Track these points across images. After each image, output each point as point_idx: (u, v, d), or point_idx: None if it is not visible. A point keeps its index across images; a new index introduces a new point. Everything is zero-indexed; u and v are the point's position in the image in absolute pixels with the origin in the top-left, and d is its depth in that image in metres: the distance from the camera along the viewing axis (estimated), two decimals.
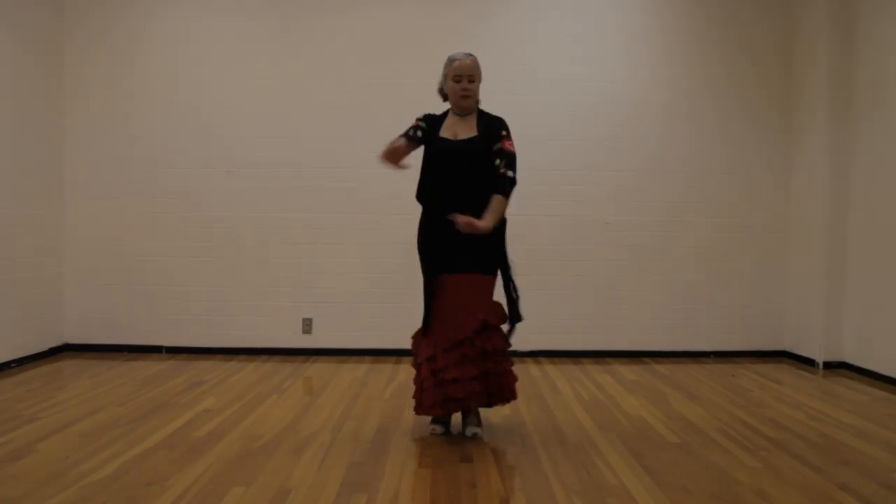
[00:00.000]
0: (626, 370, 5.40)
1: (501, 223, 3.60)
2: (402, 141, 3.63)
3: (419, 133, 3.64)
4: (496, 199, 3.49)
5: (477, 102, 3.72)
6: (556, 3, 5.89)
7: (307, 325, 5.86)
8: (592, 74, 5.88)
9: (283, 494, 2.84)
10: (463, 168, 3.55)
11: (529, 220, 5.79)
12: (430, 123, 3.68)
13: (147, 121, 5.85)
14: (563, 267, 5.87)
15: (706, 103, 5.92)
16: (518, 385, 4.88)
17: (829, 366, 5.45)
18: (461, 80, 3.59)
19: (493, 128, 3.62)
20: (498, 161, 3.54)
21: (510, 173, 3.52)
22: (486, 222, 3.42)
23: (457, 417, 3.77)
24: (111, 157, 5.86)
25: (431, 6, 5.86)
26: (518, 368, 5.27)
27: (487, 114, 3.71)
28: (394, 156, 3.57)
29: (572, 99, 5.85)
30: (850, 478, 3.08)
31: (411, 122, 3.71)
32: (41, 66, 5.62)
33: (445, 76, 3.66)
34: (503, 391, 3.66)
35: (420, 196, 3.72)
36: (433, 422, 3.71)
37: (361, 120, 5.81)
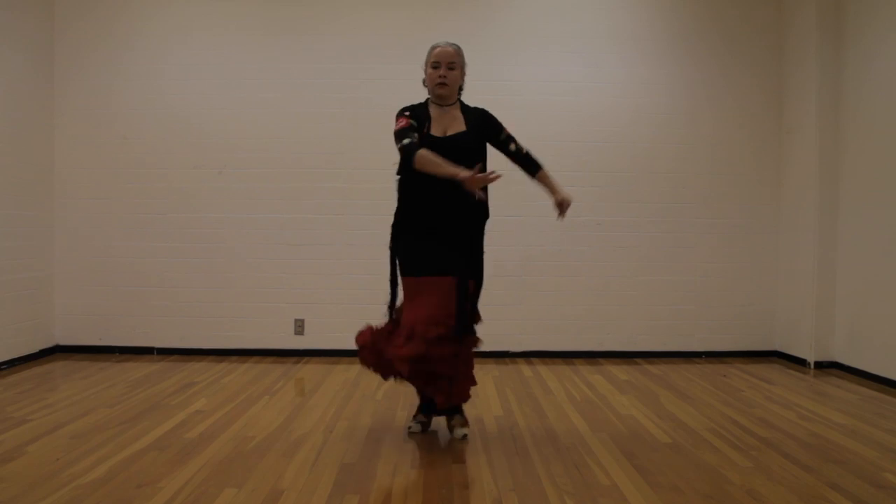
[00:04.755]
0: (618, 370, 5.41)
1: (481, 231, 3.66)
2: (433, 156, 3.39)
3: (416, 136, 3.46)
4: (544, 173, 3.67)
5: (460, 91, 3.65)
6: (552, 5, 5.90)
7: (299, 326, 5.85)
8: (585, 75, 5.89)
9: (276, 495, 2.83)
10: (454, 162, 3.35)
11: (521, 220, 5.81)
12: (417, 117, 3.51)
13: (138, 121, 5.83)
14: (555, 267, 5.88)
15: (698, 105, 5.94)
16: (510, 386, 4.89)
17: (819, 365, 5.47)
18: (439, 66, 3.52)
19: (485, 120, 3.60)
20: (513, 146, 3.62)
21: (531, 152, 3.65)
22: (565, 193, 3.62)
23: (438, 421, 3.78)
24: (102, 158, 5.83)
25: (427, 9, 5.85)
26: (510, 369, 5.32)
27: (470, 107, 3.65)
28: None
29: (565, 100, 5.86)
30: (841, 477, 3.09)
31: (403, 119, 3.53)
32: (32, 67, 5.59)
33: (426, 63, 3.58)
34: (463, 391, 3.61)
35: (405, 191, 3.60)
36: (416, 419, 3.71)
37: (354, 121, 5.81)
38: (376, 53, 5.84)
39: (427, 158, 3.36)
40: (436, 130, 3.54)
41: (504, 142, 3.63)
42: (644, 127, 5.91)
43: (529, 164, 3.67)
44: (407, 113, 3.53)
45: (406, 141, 3.42)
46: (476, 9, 5.89)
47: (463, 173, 3.25)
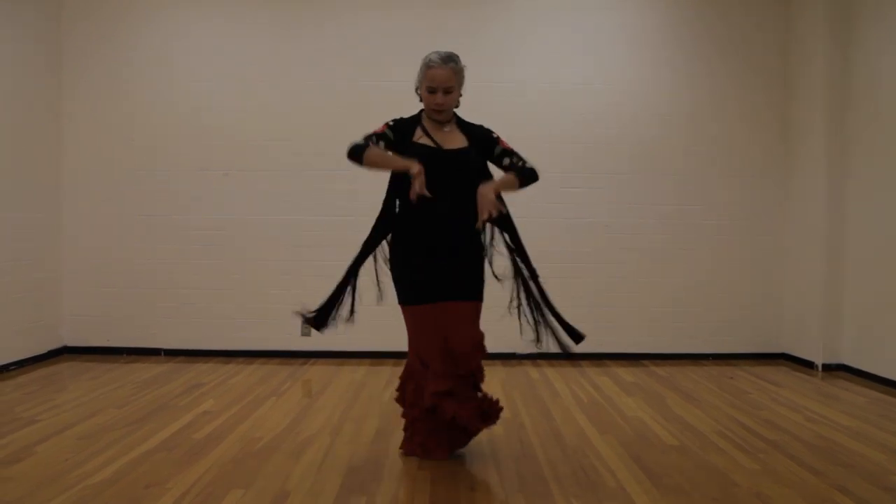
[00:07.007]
0: (625, 372, 5.40)
1: (481, 250, 3.44)
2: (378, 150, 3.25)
3: (381, 143, 3.28)
4: (508, 176, 3.28)
5: (457, 105, 3.36)
6: (555, 7, 5.89)
7: (306, 328, 5.86)
8: (591, 77, 5.88)
9: (282, 497, 2.84)
10: (454, 179, 3.24)
11: (527, 222, 5.75)
12: (401, 131, 3.32)
13: (145, 123, 5.85)
14: (559, 269, 5.85)
15: (705, 107, 5.92)
16: (517, 388, 4.88)
17: (827, 368, 5.45)
18: (435, 91, 3.22)
19: (485, 137, 3.35)
20: (507, 160, 3.33)
21: (528, 164, 3.30)
22: (489, 188, 3.17)
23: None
24: (109, 160, 5.85)
25: (429, 10, 5.85)
26: (517, 371, 5.33)
27: (470, 123, 3.41)
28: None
29: (571, 101, 5.85)
30: (848, 480, 3.09)
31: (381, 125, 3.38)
32: (40, 68, 5.62)
33: (420, 80, 3.29)
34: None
35: (391, 211, 3.45)
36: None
37: (359, 123, 5.77)
38: (382, 54, 5.84)
39: (377, 153, 3.22)
40: (430, 143, 3.29)
41: (499, 157, 3.35)
42: (648, 127, 5.90)
43: (511, 169, 3.34)
44: (391, 123, 3.34)
45: (362, 141, 3.28)
46: (479, 8, 5.88)
47: (415, 167, 3.10)
